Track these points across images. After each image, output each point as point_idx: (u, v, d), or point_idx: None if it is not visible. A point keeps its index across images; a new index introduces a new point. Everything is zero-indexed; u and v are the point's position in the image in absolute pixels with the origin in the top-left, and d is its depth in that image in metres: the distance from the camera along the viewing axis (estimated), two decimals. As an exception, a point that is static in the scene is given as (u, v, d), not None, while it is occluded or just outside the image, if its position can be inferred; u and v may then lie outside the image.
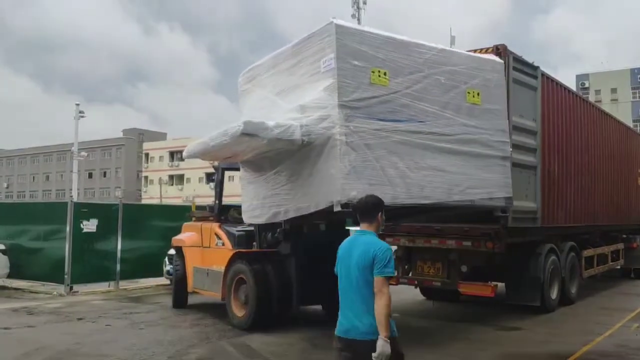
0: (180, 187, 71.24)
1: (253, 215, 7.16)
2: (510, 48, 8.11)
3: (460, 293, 9.03)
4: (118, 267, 12.40)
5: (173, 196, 65.10)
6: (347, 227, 8.97)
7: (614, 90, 62.07)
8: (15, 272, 12.35)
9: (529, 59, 8.85)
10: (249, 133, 5.53)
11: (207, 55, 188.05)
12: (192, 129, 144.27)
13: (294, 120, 5.62)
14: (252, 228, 8.31)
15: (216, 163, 9.32)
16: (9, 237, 12.79)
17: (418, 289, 10.24)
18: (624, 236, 13.89)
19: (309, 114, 5.67)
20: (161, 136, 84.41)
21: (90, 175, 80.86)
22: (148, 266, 12.78)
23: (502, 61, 7.38)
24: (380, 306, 3.29)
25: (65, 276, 11.64)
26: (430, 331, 8.23)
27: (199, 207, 11.39)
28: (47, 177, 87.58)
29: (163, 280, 12.60)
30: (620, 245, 13.46)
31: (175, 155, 72.83)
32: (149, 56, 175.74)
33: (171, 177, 73.36)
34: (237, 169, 9.01)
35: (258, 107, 6.68)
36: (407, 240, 9.07)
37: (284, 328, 7.77)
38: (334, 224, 8.36)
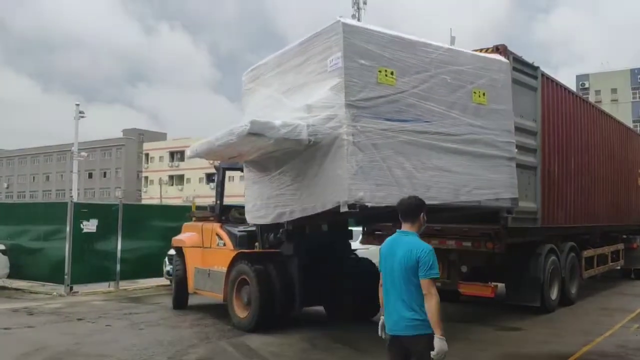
0: (180, 187, 71.24)
1: (257, 215, 7.12)
2: (510, 48, 8.12)
3: (460, 293, 9.03)
4: (118, 267, 12.40)
5: (173, 196, 65.10)
6: (350, 228, 8.95)
7: (614, 91, 62.09)
8: (15, 272, 12.36)
9: (529, 58, 8.88)
10: (255, 132, 5.48)
11: (208, 55, 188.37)
12: (192, 129, 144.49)
13: (301, 120, 5.58)
14: (253, 228, 8.28)
15: (217, 163, 9.29)
16: (9, 238, 12.80)
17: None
18: (624, 236, 13.89)
19: (315, 114, 5.63)
20: (161, 136, 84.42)
21: (90, 176, 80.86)
22: (148, 266, 12.77)
23: (508, 61, 7.34)
24: (431, 307, 3.43)
25: (65, 276, 11.65)
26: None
27: (199, 207, 11.39)
28: (47, 177, 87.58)
29: (163, 281, 12.60)
30: (621, 246, 13.47)
31: (175, 155, 72.85)
32: (149, 56, 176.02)
33: (171, 177, 73.34)
34: (239, 169, 9.01)
35: (262, 106, 6.63)
36: (407, 241, 9.04)
37: (284, 328, 7.76)
38: (336, 224, 8.36)
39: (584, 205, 10.60)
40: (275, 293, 7.68)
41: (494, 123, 6.75)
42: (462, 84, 6.42)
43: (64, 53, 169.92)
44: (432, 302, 3.43)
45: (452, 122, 6.26)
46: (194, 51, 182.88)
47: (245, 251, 8.18)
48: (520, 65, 8.47)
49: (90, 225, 12.00)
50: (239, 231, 8.56)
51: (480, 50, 8.01)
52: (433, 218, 8.25)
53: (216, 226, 8.99)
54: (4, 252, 12.18)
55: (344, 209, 5.37)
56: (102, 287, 12.48)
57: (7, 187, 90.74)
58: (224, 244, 8.67)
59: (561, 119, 9.69)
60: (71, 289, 11.74)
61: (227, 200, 9.53)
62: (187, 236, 9.87)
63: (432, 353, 3.36)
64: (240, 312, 7.96)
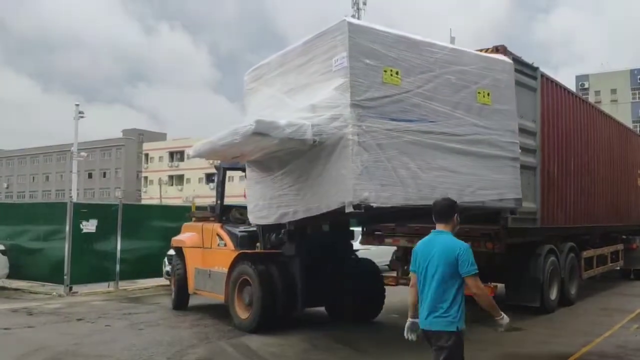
0: (180, 187, 71.26)
1: (260, 215, 7.08)
2: (510, 48, 8.12)
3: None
4: (118, 267, 12.39)
5: (173, 196, 65.11)
6: (351, 228, 8.93)
7: (613, 91, 62.15)
8: (14, 272, 12.35)
9: (529, 58, 8.88)
10: (260, 132, 5.44)
11: (208, 55, 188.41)
12: (192, 129, 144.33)
13: (305, 120, 5.55)
14: (254, 229, 8.25)
15: (218, 163, 9.27)
16: (8, 238, 12.78)
17: (417, 290, 10.22)
18: (624, 237, 13.89)
19: (320, 114, 5.59)
20: (161, 136, 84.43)
21: (90, 176, 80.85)
22: (148, 267, 12.77)
23: (511, 62, 7.31)
24: (484, 301, 3.70)
25: (65, 277, 11.64)
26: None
27: (199, 208, 11.38)
28: (47, 178, 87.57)
29: (163, 281, 12.59)
30: (620, 246, 13.47)
31: (175, 155, 72.87)
32: (149, 56, 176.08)
33: (171, 177, 73.36)
34: (240, 169, 8.98)
35: (265, 106, 6.60)
36: (406, 241, 9.06)
37: (285, 329, 7.75)
38: (338, 224, 8.34)
39: (584, 205, 10.61)
40: (277, 294, 7.65)
41: (497, 123, 6.73)
42: (466, 84, 6.40)
43: (64, 53, 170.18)
44: (484, 297, 3.69)
45: (456, 122, 6.23)
46: (194, 51, 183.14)
47: (247, 252, 8.15)
48: (520, 66, 8.47)
49: (89, 226, 11.99)
50: (240, 231, 8.53)
51: (480, 50, 8.01)
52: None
53: (217, 226, 8.97)
54: (3, 252, 12.16)
55: (349, 209, 5.34)
56: (102, 287, 12.47)
57: (7, 187, 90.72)
58: (225, 245, 8.64)
59: (561, 120, 9.70)
60: (71, 289, 11.73)
61: (226, 201, 9.52)
62: (187, 236, 9.84)
63: (501, 329, 3.79)
64: (242, 313, 7.94)
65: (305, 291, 7.67)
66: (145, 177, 76.21)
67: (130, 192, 74.25)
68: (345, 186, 5.38)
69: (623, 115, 47.55)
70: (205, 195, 51.15)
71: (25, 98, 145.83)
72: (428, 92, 5.99)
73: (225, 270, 8.21)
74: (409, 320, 3.94)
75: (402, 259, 9.70)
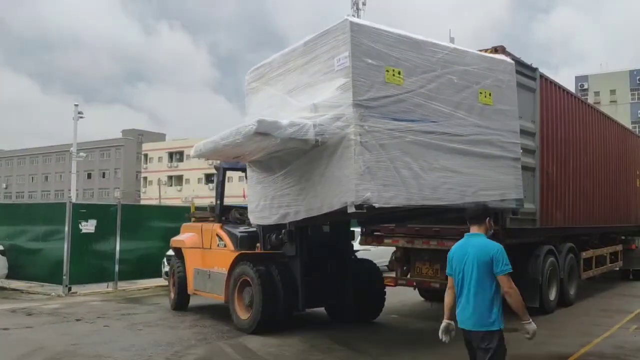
0: (179, 187, 71.24)
1: (261, 216, 7.05)
2: (511, 48, 8.15)
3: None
4: (117, 268, 12.39)
5: (172, 197, 65.08)
6: (351, 229, 8.92)
7: (613, 92, 62.13)
8: (13, 272, 12.36)
9: (529, 59, 8.89)
10: (262, 132, 5.43)
11: (208, 55, 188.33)
12: (191, 130, 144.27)
13: (307, 120, 5.54)
14: (254, 229, 8.25)
15: (217, 163, 9.26)
16: (7, 238, 12.79)
17: (417, 291, 10.23)
18: (623, 238, 13.90)
19: (322, 113, 5.59)
20: (160, 137, 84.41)
21: (89, 176, 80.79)
22: (147, 267, 12.79)
23: (512, 62, 7.32)
24: (515, 301, 3.75)
25: (64, 277, 11.64)
26: (428, 333, 8.21)
27: (198, 208, 11.38)
28: (46, 178, 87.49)
29: (162, 281, 12.58)
30: (619, 247, 13.49)
31: (174, 156, 72.86)
32: (149, 56, 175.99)
33: (170, 177, 73.35)
34: (239, 169, 8.98)
35: (266, 106, 6.59)
36: (405, 242, 9.06)
37: (284, 329, 7.75)
38: (338, 225, 8.34)
39: (583, 206, 10.61)
40: (277, 294, 7.63)
41: (499, 123, 6.73)
42: (468, 84, 6.40)
43: (63, 53, 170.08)
44: (514, 296, 3.74)
45: (458, 123, 6.23)
46: (193, 51, 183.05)
47: (247, 252, 8.14)
48: (519, 67, 8.45)
49: (88, 226, 12.00)
50: (240, 232, 8.51)
51: (479, 51, 8.02)
52: (437, 219, 8.32)
53: (216, 227, 8.95)
54: (2, 252, 12.18)
55: (351, 209, 5.32)
56: (101, 287, 12.48)
57: (6, 188, 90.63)
58: (225, 245, 8.62)
59: (560, 121, 9.70)
60: (69, 289, 11.73)
61: (225, 201, 9.50)
62: (186, 237, 9.82)
63: (527, 336, 3.80)
64: (242, 314, 7.93)
65: (306, 292, 7.66)
66: (145, 178, 76.18)
67: (129, 193, 74.17)
68: (347, 186, 5.37)
69: (622, 116, 47.60)
70: (204, 195, 51.18)
71: (24, 98, 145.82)
72: (430, 92, 5.99)
73: (225, 270, 8.20)
74: (445, 321, 4.06)
75: (401, 259, 9.70)
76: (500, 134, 6.73)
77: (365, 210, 5.38)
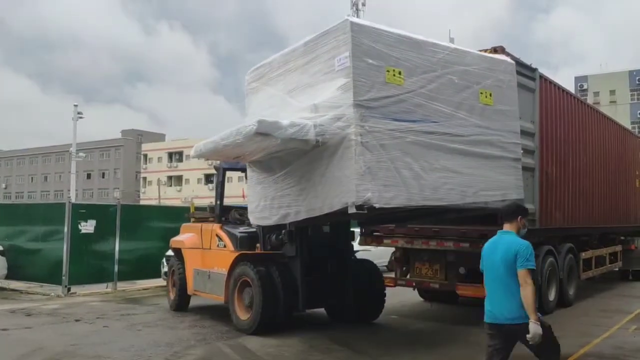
0: (178, 188, 71.23)
1: (261, 216, 7.04)
2: (510, 48, 8.17)
3: (459, 295, 9.03)
4: (116, 268, 12.38)
5: (172, 197, 65.07)
6: (351, 229, 8.92)
7: (612, 92, 62.14)
8: (13, 273, 12.35)
9: (529, 59, 8.91)
10: (262, 132, 5.43)
11: (207, 55, 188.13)
12: (191, 130, 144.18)
13: (307, 120, 5.53)
14: (254, 229, 8.23)
15: (217, 163, 9.25)
16: (7, 238, 12.79)
17: (416, 291, 10.23)
18: (622, 238, 13.90)
19: (322, 113, 5.58)
20: (160, 137, 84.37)
21: (88, 176, 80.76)
22: (146, 267, 12.78)
23: (513, 62, 7.32)
24: (527, 295, 3.86)
25: (63, 277, 11.63)
26: (428, 333, 8.23)
27: (198, 208, 11.38)
28: (46, 178, 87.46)
29: (161, 282, 12.56)
30: (619, 247, 13.49)
31: (173, 156, 72.84)
32: (149, 56, 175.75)
33: (170, 178, 73.34)
34: (239, 170, 8.98)
35: (267, 106, 6.58)
36: (405, 242, 9.06)
37: (283, 329, 7.74)
38: (338, 225, 8.33)
39: (582, 206, 10.61)
40: (277, 295, 7.62)
41: (500, 124, 6.73)
42: (468, 84, 6.39)
43: (63, 53, 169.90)
44: (527, 290, 3.85)
45: (459, 123, 6.23)
46: (193, 51, 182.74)
47: (247, 253, 8.13)
48: (519, 67, 8.45)
49: (88, 226, 11.99)
50: (240, 232, 8.49)
51: (479, 51, 8.03)
52: (436, 219, 8.32)
53: (216, 227, 8.93)
54: (1, 252, 12.18)
55: (351, 210, 5.31)
56: (100, 288, 12.46)
57: (5, 188, 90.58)
58: (224, 245, 8.60)
59: (559, 121, 9.70)
60: (69, 289, 11.72)
61: (225, 201, 9.48)
62: (186, 237, 9.80)
63: (528, 336, 3.86)
64: (242, 315, 7.92)
65: (306, 292, 7.65)
66: (144, 178, 76.17)
67: (129, 193, 74.15)
68: (347, 187, 5.36)
69: (622, 116, 47.59)
70: (204, 195, 51.16)
71: (24, 98, 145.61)
72: (431, 92, 5.99)
73: (225, 271, 8.18)
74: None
75: (401, 259, 9.69)
76: (500, 135, 6.73)
77: (365, 211, 5.37)
